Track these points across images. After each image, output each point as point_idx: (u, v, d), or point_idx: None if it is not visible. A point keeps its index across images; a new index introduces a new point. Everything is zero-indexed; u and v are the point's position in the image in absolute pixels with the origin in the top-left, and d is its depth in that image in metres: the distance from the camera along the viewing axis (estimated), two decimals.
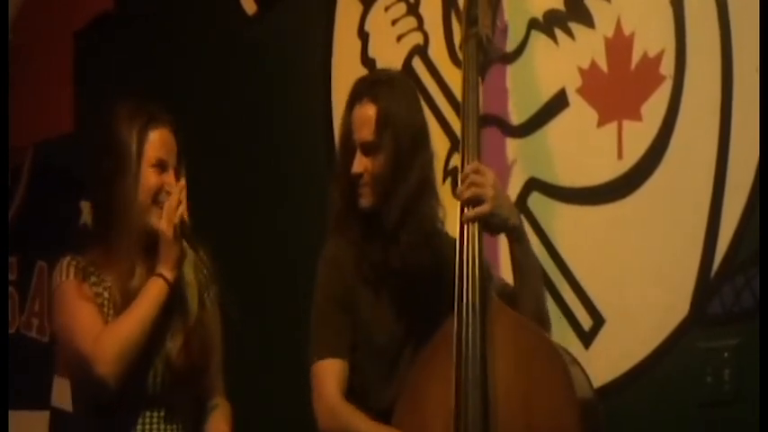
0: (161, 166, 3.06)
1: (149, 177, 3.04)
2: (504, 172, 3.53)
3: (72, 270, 3.04)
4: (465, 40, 3.17)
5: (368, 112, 3.02)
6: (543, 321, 3.00)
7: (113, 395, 2.93)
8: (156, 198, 3.04)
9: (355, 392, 2.98)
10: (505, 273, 3.07)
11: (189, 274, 3.07)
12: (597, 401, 2.88)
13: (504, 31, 3.45)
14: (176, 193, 3.02)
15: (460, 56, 3.21)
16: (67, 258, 3.08)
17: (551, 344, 2.83)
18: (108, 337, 2.92)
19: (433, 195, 3.05)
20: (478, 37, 3.17)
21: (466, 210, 2.91)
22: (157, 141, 3.06)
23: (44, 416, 4.81)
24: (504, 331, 2.82)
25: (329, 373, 2.97)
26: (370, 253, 3.02)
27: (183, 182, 3.06)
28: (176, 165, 3.09)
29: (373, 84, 3.10)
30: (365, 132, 3.02)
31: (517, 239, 2.96)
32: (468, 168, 2.93)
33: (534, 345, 2.82)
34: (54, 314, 3.13)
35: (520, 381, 2.78)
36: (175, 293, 3.02)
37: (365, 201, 3.03)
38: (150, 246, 3.03)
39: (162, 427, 3.01)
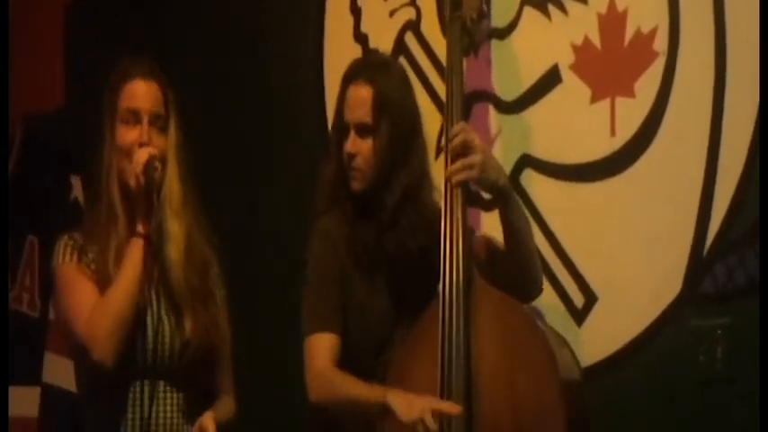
0: (134, 116, 2.98)
1: (122, 134, 2.98)
2: (495, 148, 3.51)
3: (69, 250, 3.00)
4: (449, 23, 3.17)
5: (363, 93, 3.00)
6: (537, 282, 3.01)
7: (112, 374, 2.90)
8: (131, 154, 2.97)
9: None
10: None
11: (173, 225, 2.99)
12: (582, 382, 2.89)
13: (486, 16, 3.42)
14: (146, 144, 2.95)
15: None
16: (64, 238, 3.03)
17: (534, 322, 2.84)
18: (99, 319, 2.89)
19: (431, 182, 3.05)
20: (462, 20, 3.16)
21: (454, 175, 2.90)
22: (128, 93, 3.00)
23: (35, 391, 4.81)
24: (487, 310, 2.83)
25: (320, 346, 2.96)
26: (364, 234, 3.01)
27: (165, 135, 2.99)
28: (164, 115, 3.01)
29: (368, 65, 3.10)
30: (360, 113, 3.00)
31: (506, 201, 2.95)
32: (454, 131, 2.92)
33: (517, 323, 2.82)
34: (56, 297, 3.09)
35: (503, 359, 2.79)
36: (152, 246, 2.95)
37: (356, 184, 3.02)
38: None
39: (162, 395, 2.97)
